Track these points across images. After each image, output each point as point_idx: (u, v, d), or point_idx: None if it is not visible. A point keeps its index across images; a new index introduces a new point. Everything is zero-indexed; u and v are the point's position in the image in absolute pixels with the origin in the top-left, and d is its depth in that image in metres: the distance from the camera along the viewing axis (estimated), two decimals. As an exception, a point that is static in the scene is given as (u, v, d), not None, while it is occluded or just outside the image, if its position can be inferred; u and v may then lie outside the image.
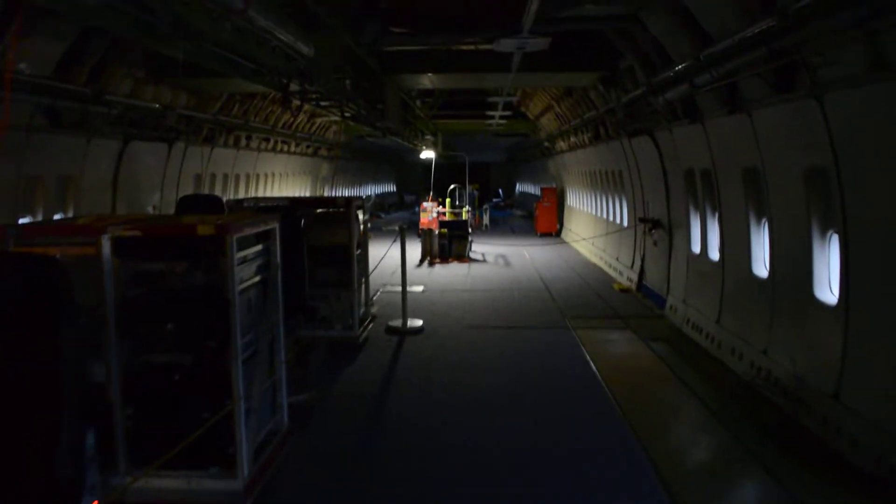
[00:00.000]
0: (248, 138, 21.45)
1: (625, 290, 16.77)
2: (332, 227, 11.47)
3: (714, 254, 11.76)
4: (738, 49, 7.97)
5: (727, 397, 9.32)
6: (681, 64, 9.92)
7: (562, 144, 27.14)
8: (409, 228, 32.12)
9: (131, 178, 14.88)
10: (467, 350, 11.53)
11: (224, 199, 11.75)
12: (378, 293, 16.52)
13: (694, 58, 9.38)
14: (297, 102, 13.57)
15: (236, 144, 20.77)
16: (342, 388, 9.65)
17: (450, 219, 24.56)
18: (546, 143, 31.16)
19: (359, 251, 12.06)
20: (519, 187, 59.25)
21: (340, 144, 34.21)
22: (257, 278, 6.74)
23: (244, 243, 6.27)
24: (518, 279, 18.57)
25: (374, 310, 14.35)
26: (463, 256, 22.52)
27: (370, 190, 51.67)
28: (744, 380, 9.71)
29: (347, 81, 13.13)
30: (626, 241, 18.30)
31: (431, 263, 21.90)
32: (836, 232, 7.70)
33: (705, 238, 12.00)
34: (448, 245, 22.47)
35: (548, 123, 27.76)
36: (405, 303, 13.06)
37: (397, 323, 13.03)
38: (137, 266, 5.97)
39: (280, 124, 23.52)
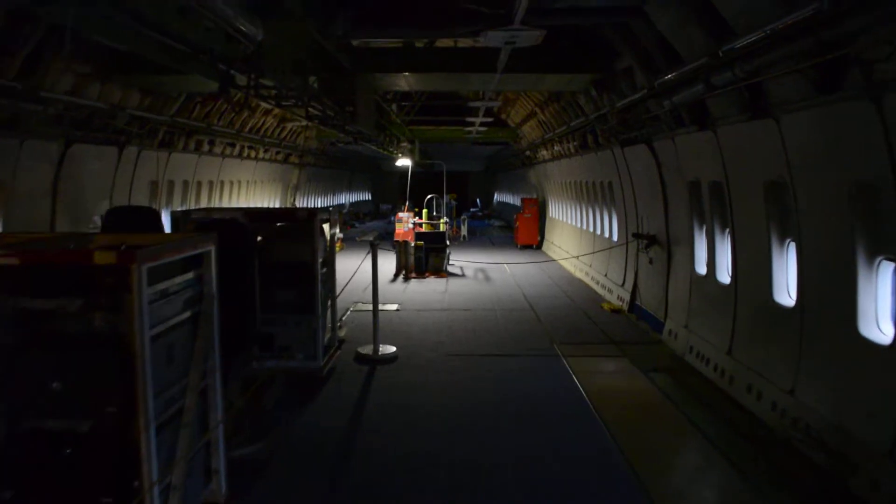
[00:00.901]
0: (211, 143, 19.94)
1: (616, 311, 15.51)
2: (292, 243, 10.05)
3: (724, 276, 10.53)
4: (772, 42, 6.73)
5: (748, 444, 8.04)
6: (693, 61, 8.66)
7: (544, 153, 25.94)
8: (384, 239, 30.96)
9: (74, 185, 13.36)
10: (446, 385, 10.13)
11: (176, 210, 10.34)
12: (348, 312, 15.09)
13: (711, 54, 8.13)
14: (240, 95, 12.16)
15: (198, 149, 19.26)
16: (299, 436, 8.18)
17: (426, 230, 23.19)
18: (527, 152, 29.96)
19: (325, 269, 10.66)
20: (497, 197, 58.10)
21: (312, 151, 32.75)
22: (185, 315, 5.32)
23: (163, 273, 4.86)
24: (500, 297, 17.24)
25: (342, 333, 12.93)
26: (440, 271, 21.15)
27: (345, 199, 50.17)
28: (765, 423, 8.45)
29: (313, 79, 11.73)
30: (616, 257, 17.07)
31: (407, 278, 20.51)
32: (890, 259, 6.47)
33: (713, 258, 10.75)
34: (425, 258, 21.09)
35: (530, 132, 26.55)
36: (376, 328, 11.67)
37: (368, 350, 11.63)
38: (16, 303, 4.52)
39: (247, 128, 22.05)
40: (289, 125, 25.68)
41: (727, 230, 10.35)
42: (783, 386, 8.27)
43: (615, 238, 17.49)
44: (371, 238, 34.66)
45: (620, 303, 15.89)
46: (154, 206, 17.17)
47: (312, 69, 10.79)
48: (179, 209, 11.01)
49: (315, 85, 12.03)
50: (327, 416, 8.81)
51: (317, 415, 8.89)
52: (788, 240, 8.54)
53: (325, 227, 10.78)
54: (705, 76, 8.54)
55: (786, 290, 8.64)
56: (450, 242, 26.74)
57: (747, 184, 9.13)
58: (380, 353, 11.51)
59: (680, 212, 12.21)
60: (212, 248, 5.58)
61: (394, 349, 11.79)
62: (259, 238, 10.15)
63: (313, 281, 9.90)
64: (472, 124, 24.19)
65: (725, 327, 10.04)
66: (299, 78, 10.82)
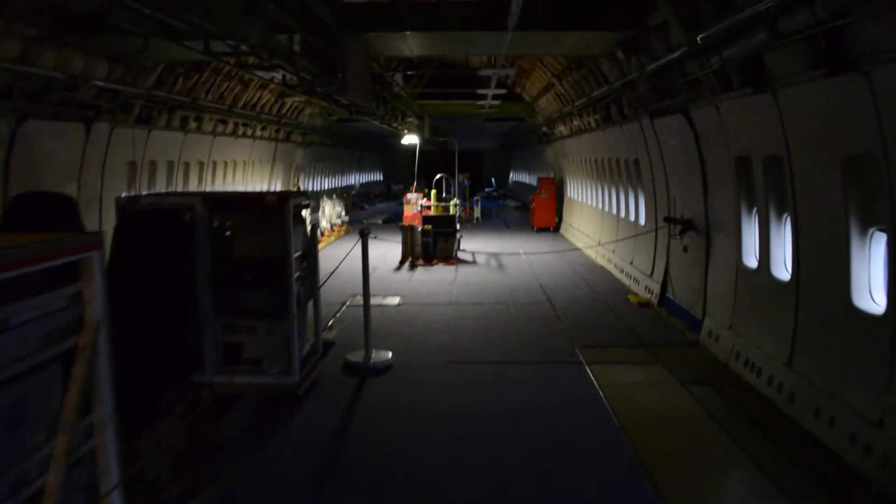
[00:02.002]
0: (198, 119, 18.30)
1: (644, 305, 13.77)
2: (261, 235, 8.40)
3: (780, 270, 8.75)
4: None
5: (814, 482, 6.37)
6: (755, 2, 6.85)
7: (562, 129, 24.08)
8: (394, 221, 29.29)
9: (30, 167, 11.78)
10: (447, 404, 8.46)
11: (122, 196, 8.73)
12: (344, 307, 13.46)
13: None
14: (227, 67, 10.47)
15: (183, 126, 17.62)
16: (257, 480, 6.55)
17: (435, 213, 21.46)
18: (544, 128, 28.08)
19: (304, 264, 9.02)
20: (513, 176, 56.13)
21: (317, 129, 31.06)
22: (53, 351, 3.69)
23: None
24: (514, 288, 15.53)
25: (331, 335, 11.34)
26: (450, 257, 19.47)
27: (354, 179, 48.47)
28: (839, 456, 6.74)
29: (296, 39, 10.01)
30: (643, 244, 15.30)
31: (413, 266, 18.86)
32: None
33: (766, 248, 8.96)
34: (433, 244, 19.41)
35: (546, 105, 24.67)
36: (368, 331, 10.01)
37: (359, 356, 10.00)
38: None
39: (240, 104, 20.39)
40: (288, 100, 23.99)
41: (786, 216, 8.56)
42: (869, 415, 6.54)
43: (642, 222, 15.70)
44: (380, 220, 33.10)
45: (649, 295, 14.15)
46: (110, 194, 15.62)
47: (286, 26, 9.05)
48: (125, 195, 9.37)
49: (297, 48, 10.30)
50: (298, 453, 7.14)
51: (285, 449, 7.23)
52: (873, 229, 6.76)
53: (306, 213, 9.12)
54: (770, 21, 6.75)
55: (868, 291, 6.88)
56: (462, 225, 25.11)
57: (818, 159, 7.33)
58: (372, 361, 9.87)
59: (723, 193, 10.42)
60: (94, 254, 3.92)
61: (389, 355, 10.14)
62: (225, 228, 8.53)
63: (287, 279, 8.25)
64: (485, 97, 22.35)
65: (784, 333, 8.29)
66: (276, 39, 9.14)
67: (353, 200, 41.80)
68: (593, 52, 12.92)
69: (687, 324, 11.92)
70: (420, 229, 19.48)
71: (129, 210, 7.49)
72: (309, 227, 9.27)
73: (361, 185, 50.79)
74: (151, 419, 5.68)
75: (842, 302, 7.04)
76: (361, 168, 51.36)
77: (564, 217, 27.43)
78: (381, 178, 59.82)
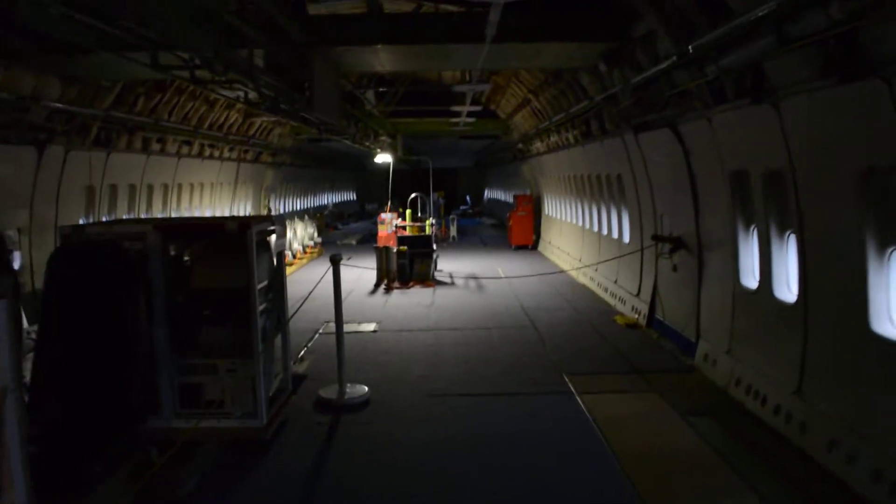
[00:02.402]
0: (162, 141, 17.50)
1: (632, 326, 13.18)
2: (222, 264, 7.66)
3: (784, 292, 8.20)
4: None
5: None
6: (756, 7, 6.31)
7: (539, 145, 23.60)
8: (368, 241, 28.55)
9: (-26, 194, 10.99)
10: (429, 448, 7.75)
11: (66, 226, 7.93)
12: (317, 335, 12.69)
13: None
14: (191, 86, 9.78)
15: (146, 148, 16.83)
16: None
17: (410, 233, 20.77)
18: (520, 145, 27.61)
19: (271, 295, 8.29)
20: (488, 194, 55.68)
21: (288, 149, 30.31)
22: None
23: None
24: (495, 311, 14.86)
25: (302, 368, 10.58)
26: (427, 279, 18.77)
27: (327, 199, 47.65)
28: (863, 497, 6.15)
29: (259, 54, 9.34)
30: (627, 261, 14.77)
31: (389, 289, 18.13)
32: None
33: (767, 268, 8.41)
34: (409, 266, 18.70)
35: (522, 122, 24.20)
36: (342, 364, 9.28)
37: (333, 391, 9.25)
38: None
39: (206, 124, 19.62)
40: (257, 121, 23.24)
41: (789, 233, 8.03)
42: (890, 450, 5.96)
43: (626, 239, 15.16)
44: (353, 241, 32.32)
45: (636, 315, 13.57)
46: (92, 217, 14.76)
47: (248, 38, 8.36)
48: (68, 225, 8.58)
49: (261, 62, 9.63)
50: (264, 506, 6.41)
51: None
52: (893, 248, 6.22)
53: (273, 238, 8.39)
54: (774, 26, 6.22)
55: (888, 316, 6.32)
56: (438, 244, 24.45)
57: (828, 173, 6.79)
58: (346, 397, 9.13)
59: (716, 210, 9.89)
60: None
61: (365, 390, 9.40)
62: (181, 258, 7.78)
63: (250, 313, 7.50)
64: (459, 115, 21.80)
65: (791, 359, 7.71)
66: (237, 53, 8.45)
67: (327, 220, 40.98)
68: (575, 64, 12.39)
69: (680, 347, 11.34)
70: (395, 250, 18.78)
71: (71, 241, 6.71)
72: (275, 255, 8.54)
73: (335, 204, 49.97)
74: (91, 484, 4.91)
75: (859, 327, 6.47)
76: (335, 188, 50.59)
77: (542, 234, 26.91)
78: (355, 198, 59.04)
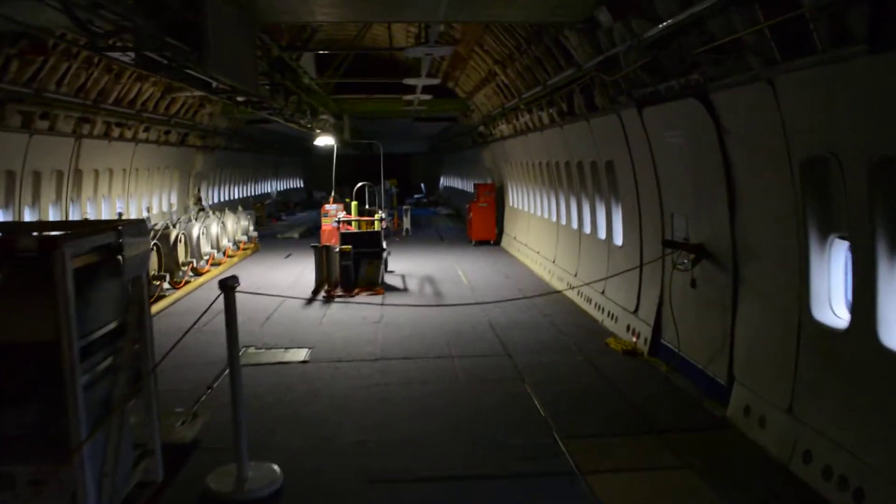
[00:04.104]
0: (49, 117, 14.14)
1: (630, 353, 10.47)
2: (16, 304, 4.63)
3: (892, 336, 5.49)
4: None
5: None
6: None
7: (504, 128, 20.77)
8: (313, 233, 25.38)
9: None
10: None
11: None
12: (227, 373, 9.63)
13: None
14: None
15: (28, 126, 13.51)
16: None
17: (356, 230, 17.73)
18: (481, 128, 24.73)
19: (121, 344, 5.28)
20: (444, 182, 52.71)
21: (222, 131, 26.89)
22: None
23: None
24: (457, 331, 11.97)
25: (195, 428, 7.58)
26: (375, 285, 15.81)
27: (271, 186, 44.08)
28: None
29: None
30: (619, 268, 12.09)
31: (329, 297, 15.13)
32: None
33: (869, 297, 5.68)
34: (354, 269, 15.71)
35: (485, 101, 21.32)
36: (240, 436, 6.30)
37: (228, 479, 6.27)
38: None
39: (110, 98, 16.29)
40: (180, 97, 19.86)
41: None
42: None
43: (617, 241, 12.44)
44: (296, 234, 29.05)
45: (634, 339, 10.87)
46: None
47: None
48: None
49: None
50: None
51: None
52: None
53: (128, 256, 5.36)
54: None
55: None
56: (390, 239, 21.47)
57: None
58: (247, 489, 6.15)
59: (768, 210, 7.17)
60: None
61: (276, 473, 6.44)
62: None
63: (68, 383, 4.49)
64: (414, 90, 18.77)
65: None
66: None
67: (269, 211, 37.55)
68: (562, 17, 9.49)
69: (700, 387, 8.67)
70: (337, 250, 15.77)
71: None
72: (131, 281, 5.53)
73: (279, 192, 46.41)
74: None
75: None
76: (279, 174, 47.00)
77: (506, 228, 24.13)
78: (303, 185, 55.49)
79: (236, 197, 34.29)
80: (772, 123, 6.61)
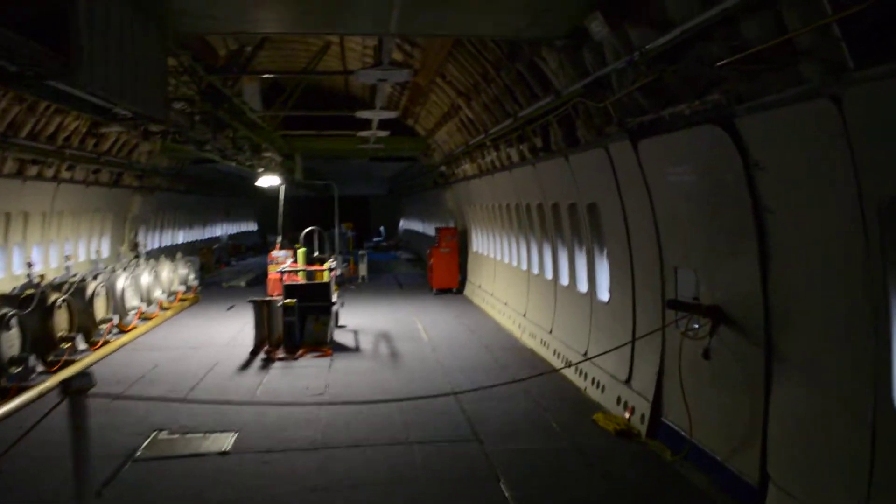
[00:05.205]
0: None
1: (623, 433, 8.65)
2: None
3: None
4: None
5: None
6: None
7: (467, 167, 19.14)
8: (262, 281, 23.26)
9: None
10: None
11: None
12: (119, 475, 7.53)
13: None
14: None
15: None
16: None
17: (303, 280, 15.74)
18: (442, 168, 23.10)
19: None
20: (404, 224, 50.92)
21: (162, 171, 24.78)
22: None
23: None
24: (418, 407, 9.94)
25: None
26: (322, 344, 13.81)
27: (221, 230, 41.76)
28: None
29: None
30: (604, 325, 10.38)
31: (269, 358, 13.09)
32: None
33: None
34: (298, 326, 13.72)
35: (447, 139, 19.70)
36: None
37: None
38: None
39: (24, 132, 14.29)
40: (111, 133, 17.78)
41: None
42: None
43: (602, 296, 10.73)
44: (243, 282, 26.81)
45: (627, 414, 9.07)
46: None
47: None
48: None
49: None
50: None
51: None
52: None
53: None
54: None
55: None
56: (344, 286, 19.49)
57: None
58: None
59: (818, 263, 5.51)
60: None
61: None
62: None
63: None
64: (369, 125, 17.03)
65: None
66: None
67: (218, 256, 35.21)
68: (542, 30, 7.83)
69: (719, 484, 6.89)
70: (280, 304, 13.77)
71: None
72: None
73: (231, 236, 44.04)
74: None
75: None
76: (230, 217, 44.70)
77: (470, 276, 22.37)
78: (257, 228, 53.17)
79: (180, 242, 31.96)
80: (834, 154, 4.96)
